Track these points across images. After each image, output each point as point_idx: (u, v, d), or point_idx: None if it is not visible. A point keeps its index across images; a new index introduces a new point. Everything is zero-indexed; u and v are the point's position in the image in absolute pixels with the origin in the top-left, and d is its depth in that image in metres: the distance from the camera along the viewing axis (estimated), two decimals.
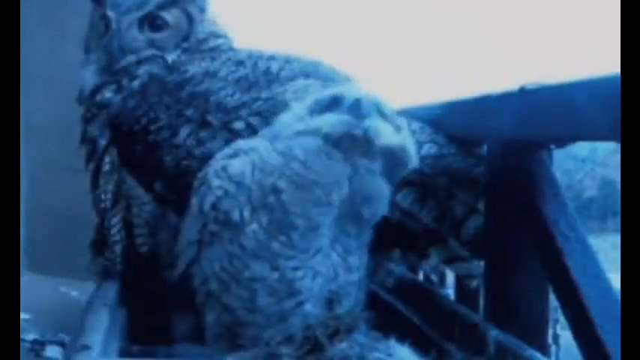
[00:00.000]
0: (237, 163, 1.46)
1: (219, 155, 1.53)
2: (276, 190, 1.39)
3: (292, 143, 1.43)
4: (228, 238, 1.44)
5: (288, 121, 1.51)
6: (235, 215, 1.42)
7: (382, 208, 1.50)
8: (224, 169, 1.47)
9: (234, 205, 1.43)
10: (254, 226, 1.41)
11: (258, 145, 1.49)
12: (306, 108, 1.50)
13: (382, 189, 1.48)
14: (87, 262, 1.89)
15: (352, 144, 1.39)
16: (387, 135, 1.40)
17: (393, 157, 1.43)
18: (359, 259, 1.52)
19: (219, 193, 1.45)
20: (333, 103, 1.44)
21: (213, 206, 1.46)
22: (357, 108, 1.39)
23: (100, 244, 1.85)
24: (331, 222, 1.43)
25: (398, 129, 1.44)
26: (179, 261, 1.56)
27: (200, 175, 1.54)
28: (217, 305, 1.47)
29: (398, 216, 1.75)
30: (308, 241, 1.41)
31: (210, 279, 1.47)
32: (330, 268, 1.45)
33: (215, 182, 1.47)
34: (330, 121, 1.41)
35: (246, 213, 1.42)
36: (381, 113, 1.41)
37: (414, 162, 1.48)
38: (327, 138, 1.39)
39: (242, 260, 1.42)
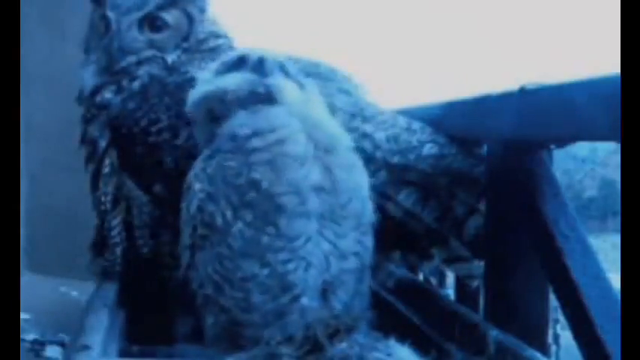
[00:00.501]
0: (215, 164, 1.45)
1: (200, 157, 1.52)
2: (253, 185, 1.38)
3: (230, 130, 1.43)
4: (216, 241, 1.43)
5: (197, 88, 1.54)
6: (218, 219, 1.41)
7: (337, 132, 1.48)
8: (204, 170, 1.47)
9: (216, 207, 1.42)
10: (239, 225, 1.39)
11: (216, 148, 1.48)
12: (211, 71, 1.54)
13: (323, 114, 1.49)
14: (87, 263, 1.89)
15: (256, 102, 1.42)
16: (289, 91, 1.44)
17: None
18: (355, 243, 1.46)
19: (202, 195, 1.44)
20: (237, 64, 1.48)
21: (199, 209, 1.45)
22: (260, 67, 1.45)
23: (100, 245, 1.85)
24: (316, 183, 1.40)
25: (301, 87, 1.49)
26: (182, 264, 1.56)
27: (187, 178, 1.53)
28: (215, 307, 1.46)
29: (400, 216, 1.75)
30: (297, 225, 1.39)
31: (206, 282, 1.46)
32: (322, 257, 1.42)
33: (197, 185, 1.46)
34: (234, 80, 1.45)
35: (229, 214, 1.40)
36: (285, 72, 1.47)
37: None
38: (233, 96, 1.43)
39: (232, 261, 1.41)
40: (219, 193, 1.42)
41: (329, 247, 1.43)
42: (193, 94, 1.54)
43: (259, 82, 1.43)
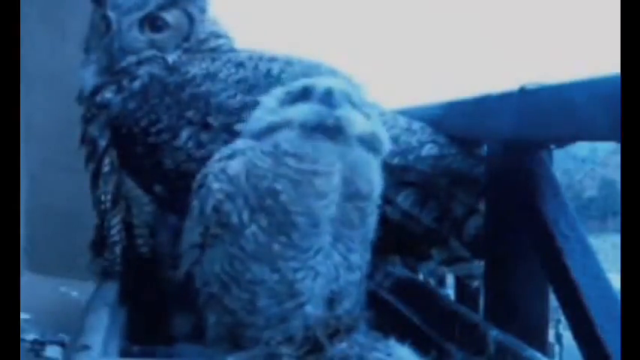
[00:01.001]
0: (235, 165, 1.45)
1: (217, 156, 1.52)
2: (273, 193, 1.38)
3: (276, 139, 1.42)
4: (229, 240, 1.44)
5: (260, 115, 1.52)
6: (234, 219, 1.42)
7: (376, 179, 1.49)
8: (223, 171, 1.46)
9: (233, 207, 1.43)
10: (253, 228, 1.40)
11: (246, 146, 1.48)
12: (276, 100, 1.51)
13: (370, 161, 1.48)
14: (87, 263, 1.88)
15: (325, 133, 1.40)
16: (358, 123, 1.42)
17: (366, 144, 1.45)
18: (361, 258, 1.50)
19: (220, 196, 1.44)
20: (304, 94, 1.45)
21: (215, 209, 1.45)
22: (328, 98, 1.42)
23: (100, 244, 1.85)
24: (332, 215, 1.42)
25: (367, 117, 1.47)
26: (182, 263, 1.56)
27: (199, 176, 1.52)
28: (218, 306, 1.47)
29: (399, 218, 1.75)
30: (309, 240, 1.40)
31: (212, 281, 1.47)
32: (332, 268, 1.44)
33: (215, 185, 1.46)
34: (302, 112, 1.42)
35: (245, 216, 1.41)
36: (352, 102, 1.44)
37: (385, 147, 1.51)
38: (301, 128, 1.41)
39: (242, 262, 1.42)
40: (239, 192, 1.42)
41: (340, 259, 1.46)
42: (257, 123, 1.52)
43: (328, 113, 1.40)
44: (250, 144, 1.47)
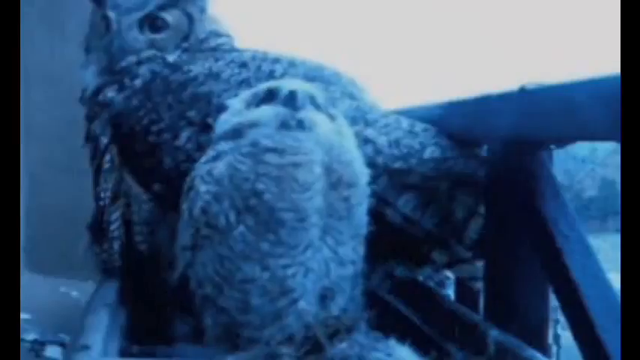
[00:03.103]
0: (220, 166, 1.46)
1: (203, 158, 1.53)
2: (257, 193, 1.39)
3: (254, 137, 1.43)
4: (218, 241, 1.44)
5: (226, 117, 1.55)
6: (222, 220, 1.42)
7: (360, 169, 1.50)
8: (209, 173, 1.47)
9: (220, 208, 1.43)
10: (241, 228, 1.41)
11: (228, 147, 1.49)
12: (242, 102, 1.54)
13: (352, 149, 1.50)
14: (84, 251, 1.88)
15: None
16: (321, 125, 1.45)
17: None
18: (352, 252, 1.50)
19: (208, 197, 1.45)
20: (269, 96, 1.48)
21: (204, 211, 1.45)
22: (292, 100, 1.45)
23: (99, 234, 1.84)
24: (319, 206, 1.42)
25: (332, 118, 1.50)
26: (177, 265, 1.56)
27: (188, 179, 1.53)
28: (213, 307, 1.47)
29: (399, 222, 1.74)
30: (297, 235, 1.40)
31: (205, 282, 1.47)
32: (322, 263, 1.44)
33: (202, 187, 1.46)
34: (266, 113, 1.45)
35: (232, 217, 1.41)
36: (315, 104, 1.47)
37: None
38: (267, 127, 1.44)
39: (232, 262, 1.42)
40: (224, 194, 1.43)
41: (330, 253, 1.45)
42: (223, 124, 1.54)
43: (291, 115, 1.44)
44: (231, 145, 1.48)
